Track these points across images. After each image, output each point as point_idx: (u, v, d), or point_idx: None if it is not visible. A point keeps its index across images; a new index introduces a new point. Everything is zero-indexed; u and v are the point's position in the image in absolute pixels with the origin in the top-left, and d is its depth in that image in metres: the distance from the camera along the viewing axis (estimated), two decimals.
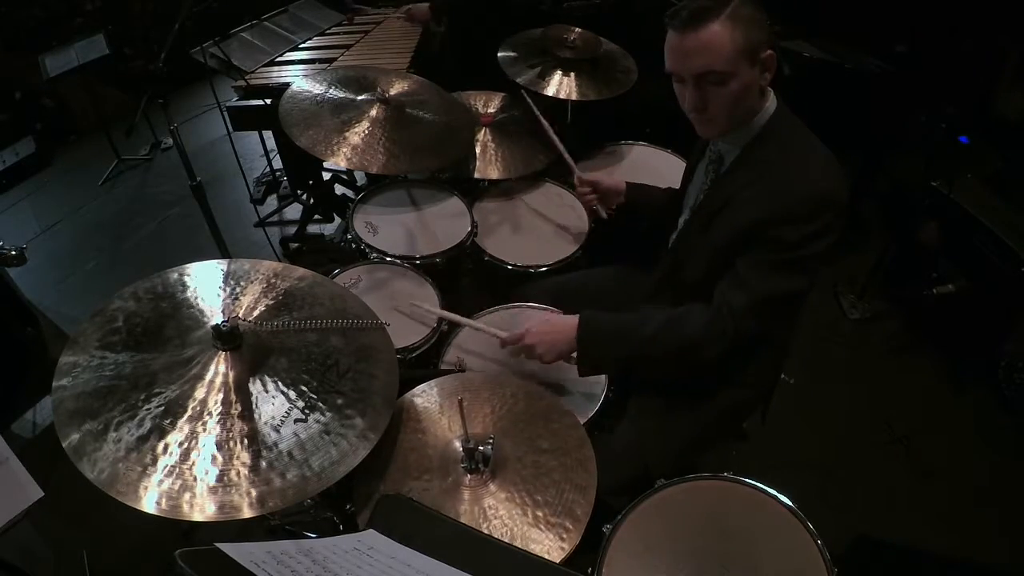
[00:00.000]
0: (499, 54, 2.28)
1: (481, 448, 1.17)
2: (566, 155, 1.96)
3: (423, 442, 1.25)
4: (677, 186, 1.64)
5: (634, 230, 1.98)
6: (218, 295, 1.25)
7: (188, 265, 1.29)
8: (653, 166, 2.25)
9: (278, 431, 1.06)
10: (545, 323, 1.41)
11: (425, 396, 1.33)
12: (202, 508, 0.96)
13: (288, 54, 2.77)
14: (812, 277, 1.29)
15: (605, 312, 1.40)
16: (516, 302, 1.71)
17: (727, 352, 1.32)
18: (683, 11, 1.19)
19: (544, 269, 1.88)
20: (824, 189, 1.22)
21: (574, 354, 1.37)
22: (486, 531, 1.09)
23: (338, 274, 1.75)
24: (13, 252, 1.79)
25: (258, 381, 1.11)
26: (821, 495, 2.03)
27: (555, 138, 1.98)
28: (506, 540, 1.07)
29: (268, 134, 3.16)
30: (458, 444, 1.20)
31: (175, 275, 1.27)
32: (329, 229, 3.28)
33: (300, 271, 1.35)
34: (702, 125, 1.32)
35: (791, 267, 1.25)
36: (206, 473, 0.99)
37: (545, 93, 2.17)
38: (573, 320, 1.37)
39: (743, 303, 1.28)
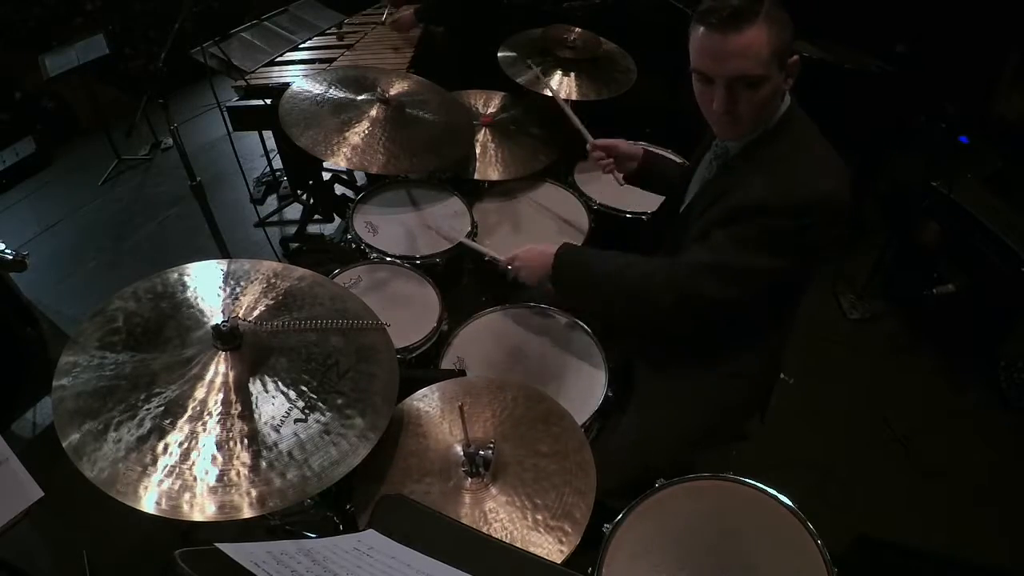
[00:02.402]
0: (499, 54, 2.28)
1: (482, 453, 1.17)
2: (581, 125, 1.87)
3: (424, 446, 1.25)
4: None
5: (634, 229, 1.98)
6: (218, 295, 1.25)
7: (188, 265, 1.29)
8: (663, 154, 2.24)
9: (278, 431, 1.06)
10: (529, 251, 1.53)
11: (426, 401, 1.33)
12: (202, 508, 0.96)
13: (288, 54, 2.77)
14: (780, 263, 1.24)
15: (583, 248, 1.53)
16: (516, 302, 1.71)
17: (688, 315, 1.32)
18: (721, 9, 1.13)
19: None
20: (823, 190, 1.20)
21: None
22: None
23: (338, 274, 1.75)
24: (14, 257, 1.78)
25: (258, 381, 1.11)
26: (821, 495, 2.02)
27: (571, 112, 1.90)
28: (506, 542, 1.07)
29: (268, 134, 3.16)
30: (459, 448, 1.20)
31: (175, 275, 1.27)
32: (329, 229, 3.28)
33: (300, 271, 1.35)
34: (725, 127, 1.28)
35: (761, 246, 1.23)
36: (206, 473, 0.99)
37: (545, 93, 2.17)
38: (552, 250, 1.48)
39: (703, 260, 1.27)
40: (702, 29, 1.17)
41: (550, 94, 2.02)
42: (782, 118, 1.27)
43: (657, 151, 2.27)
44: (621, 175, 1.79)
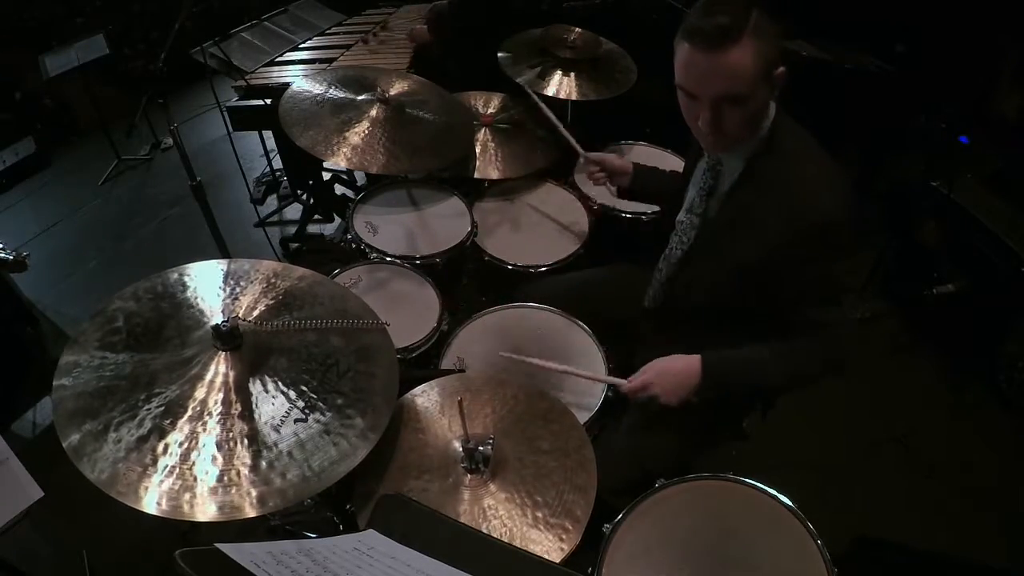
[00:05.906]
0: (499, 54, 2.28)
1: (481, 448, 1.17)
2: (571, 139, 1.89)
3: (423, 442, 1.25)
4: None
5: (634, 229, 1.98)
6: (218, 295, 1.25)
7: (188, 265, 1.29)
8: (653, 166, 2.25)
9: (278, 431, 1.06)
10: (666, 373, 1.37)
11: (425, 396, 1.33)
12: (202, 508, 0.96)
13: (288, 54, 2.77)
14: (842, 289, 1.38)
15: (723, 355, 1.36)
16: (516, 302, 1.71)
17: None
18: (705, 26, 1.10)
19: (544, 269, 1.88)
20: (841, 212, 1.19)
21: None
22: (486, 531, 1.09)
23: (338, 274, 1.75)
24: (14, 258, 1.78)
25: (258, 381, 1.11)
26: (821, 495, 2.01)
27: (559, 124, 1.91)
28: (505, 540, 1.07)
29: (268, 134, 3.16)
30: (458, 444, 1.20)
31: (175, 275, 1.27)
32: (329, 229, 3.28)
33: (300, 271, 1.35)
34: (712, 144, 1.27)
35: (831, 295, 1.32)
36: (206, 473, 0.99)
37: (545, 93, 2.17)
38: (693, 368, 1.35)
39: (839, 336, 1.32)
40: (687, 46, 1.15)
41: (542, 106, 1.96)
42: (772, 129, 1.25)
43: (652, 153, 2.28)
44: (614, 188, 1.82)
